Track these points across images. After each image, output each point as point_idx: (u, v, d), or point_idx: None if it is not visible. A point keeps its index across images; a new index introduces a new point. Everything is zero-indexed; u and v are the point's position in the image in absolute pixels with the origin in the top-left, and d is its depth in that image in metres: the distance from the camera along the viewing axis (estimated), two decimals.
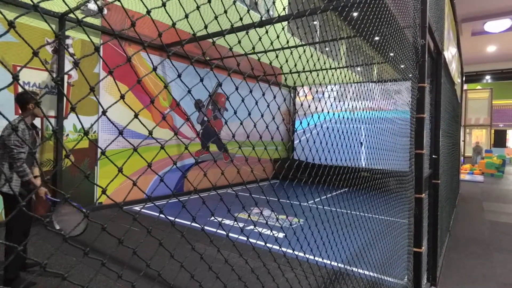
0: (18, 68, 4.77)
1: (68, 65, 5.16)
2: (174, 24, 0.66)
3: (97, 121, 5.66)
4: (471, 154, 17.52)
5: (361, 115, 2.26)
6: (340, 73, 1.98)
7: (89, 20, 5.50)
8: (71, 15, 5.01)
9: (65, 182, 5.17)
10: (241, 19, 0.85)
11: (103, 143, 5.72)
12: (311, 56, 1.27)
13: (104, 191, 0.62)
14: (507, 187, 11.29)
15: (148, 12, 0.61)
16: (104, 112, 0.59)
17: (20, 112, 2.55)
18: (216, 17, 0.74)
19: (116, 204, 0.66)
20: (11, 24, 0.43)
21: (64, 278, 0.62)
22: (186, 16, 0.66)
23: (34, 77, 4.86)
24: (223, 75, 8.08)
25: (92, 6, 5.07)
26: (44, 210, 5.00)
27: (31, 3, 0.49)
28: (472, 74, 26.51)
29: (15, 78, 0.43)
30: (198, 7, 0.70)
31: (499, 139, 23.71)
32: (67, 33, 5.24)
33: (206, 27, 0.72)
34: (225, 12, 0.77)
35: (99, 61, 5.69)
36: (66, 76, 5.26)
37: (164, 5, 0.62)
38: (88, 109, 5.53)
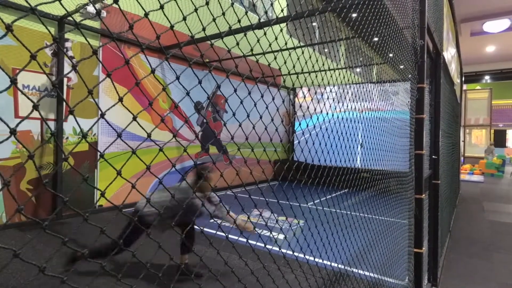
0: (17, 71, 4.78)
1: (67, 68, 5.17)
2: (172, 27, 0.66)
3: (97, 124, 5.69)
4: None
5: (361, 116, 2.26)
6: (339, 74, 1.98)
7: (89, 23, 5.51)
8: (71, 18, 5.02)
9: (66, 185, 5.17)
10: (239, 21, 0.85)
11: (103, 146, 5.72)
12: (310, 57, 1.27)
13: (102, 194, 0.62)
14: (507, 187, 11.28)
15: (146, 14, 0.61)
16: (102, 115, 0.59)
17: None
18: (214, 19, 0.74)
19: (115, 207, 0.66)
20: (8, 28, 0.43)
21: (64, 281, 0.62)
22: (184, 19, 0.66)
23: (34, 80, 4.86)
24: (222, 77, 8.08)
25: (91, 9, 5.08)
26: (46, 213, 4.99)
27: (30, 6, 0.49)
28: (472, 74, 26.54)
29: (13, 81, 0.43)
30: (196, 9, 0.70)
31: (498, 139, 23.71)
32: (66, 36, 5.25)
33: (204, 29, 0.73)
34: (223, 14, 0.77)
35: (98, 64, 5.69)
36: (65, 79, 5.26)
37: (162, 7, 0.62)
38: (89, 112, 5.53)
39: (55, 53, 5.09)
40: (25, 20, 4.72)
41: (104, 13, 5.59)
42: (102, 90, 5.79)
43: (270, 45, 1.08)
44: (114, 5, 5.82)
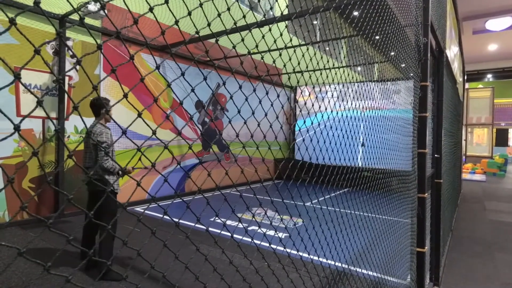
0: (20, 68, 4.76)
1: (69, 67, 5.16)
2: (177, 22, 0.65)
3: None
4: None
5: (363, 114, 2.25)
6: (344, 72, 1.97)
7: (90, 22, 5.50)
8: (72, 16, 5.01)
9: (67, 183, 5.17)
10: (244, 16, 0.84)
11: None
12: (314, 54, 1.26)
13: (107, 192, 0.61)
14: (509, 186, 11.25)
15: (151, 9, 0.60)
16: (107, 111, 0.58)
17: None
18: (219, 14, 0.73)
19: (120, 205, 0.65)
20: (12, 21, 0.42)
21: (68, 280, 0.61)
22: (189, 13, 0.65)
23: (36, 79, 4.86)
24: (224, 75, 8.07)
25: (92, 7, 5.07)
26: (48, 211, 5.00)
27: (32, 4, 0.48)
28: (474, 73, 26.42)
29: (17, 76, 0.43)
30: (201, 4, 0.69)
31: (500, 138, 23.66)
32: (67, 34, 5.24)
33: (209, 24, 0.72)
34: (228, 9, 0.76)
35: (99, 63, 5.69)
36: (66, 78, 5.26)
37: (167, 2, 0.61)
38: (90, 111, 5.52)
39: (57, 52, 5.08)
40: (26, 18, 4.71)
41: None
42: (103, 89, 5.78)
43: (275, 41, 1.07)
44: (115, 4, 5.81)
